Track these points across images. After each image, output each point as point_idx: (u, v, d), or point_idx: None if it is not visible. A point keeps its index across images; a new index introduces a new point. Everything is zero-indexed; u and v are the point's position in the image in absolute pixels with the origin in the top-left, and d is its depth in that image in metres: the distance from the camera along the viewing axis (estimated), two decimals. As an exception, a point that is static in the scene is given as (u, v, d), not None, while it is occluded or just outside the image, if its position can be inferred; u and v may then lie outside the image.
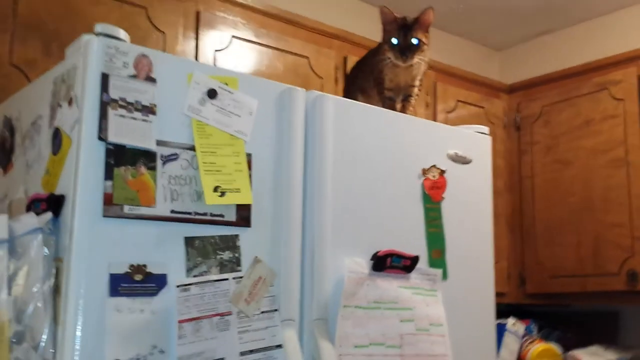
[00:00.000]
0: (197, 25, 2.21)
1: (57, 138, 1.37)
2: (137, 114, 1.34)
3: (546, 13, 3.18)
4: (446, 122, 2.85)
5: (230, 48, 2.26)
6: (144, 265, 1.30)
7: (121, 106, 1.32)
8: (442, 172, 1.78)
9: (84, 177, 1.28)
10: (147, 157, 1.34)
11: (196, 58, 2.19)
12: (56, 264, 1.27)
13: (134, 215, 1.30)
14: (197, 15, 2.21)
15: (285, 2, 2.59)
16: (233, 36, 2.28)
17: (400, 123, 1.75)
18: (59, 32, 1.92)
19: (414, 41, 1.90)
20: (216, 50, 2.23)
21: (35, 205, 1.34)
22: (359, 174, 1.62)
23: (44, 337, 1.22)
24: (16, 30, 1.89)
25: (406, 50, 1.89)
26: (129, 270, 1.28)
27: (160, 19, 2.17)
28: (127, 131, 1.32)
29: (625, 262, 2.61)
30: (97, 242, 1.26)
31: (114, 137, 1.30)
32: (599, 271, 2.69)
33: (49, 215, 1.29)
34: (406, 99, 1.99)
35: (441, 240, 1.75)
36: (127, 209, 1.29)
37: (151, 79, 1.37)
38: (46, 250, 1.27)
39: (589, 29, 3.28)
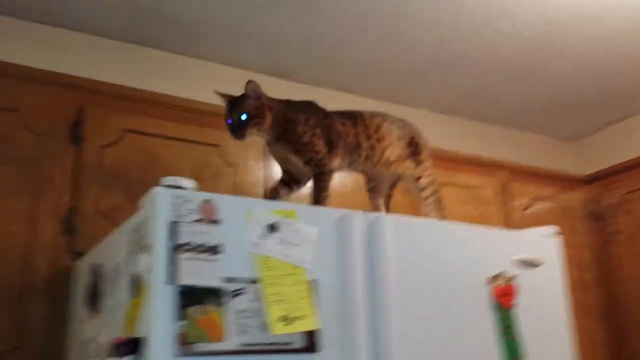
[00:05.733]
0: (265, 155, 2.36)
1: (135, 283, 1.48)
2: (204, 255, 1.44)
3: (613, 103, 3.17)
4: (522, 219, 2.83)
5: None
6: (218, 401, 1.35)
7: (188, 250, 1.42)
8: (511, 278, 1.77)
9: (159, 320, 1.37)
10: (215, 295, 1.42)
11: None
12: (137, 405, 1.34)
13: (205, 352, 1.37)
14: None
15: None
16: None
17: (461, 233, 1.77)
18: (140, 178, 2.10)
19: (243, 117, 1.82)
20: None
21: (117, 348, 1.44)
22: (423, 290, 1.64)
23: None
24: (102, 181, 2.08)
25: (237, 128, 1.83)
26: (204, 407, 1.33)
27: (231, 154, 2.33)
28: (195, 273, 1.41)
29: None
30: (171, 382, 1.33)
31: (184, 279, 1.39)
32: None
33: (129, 358, 1.38)
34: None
35: (518, 348, 1.72)
36: (197, 347, 1.36)
37: (215, 221, 1.47)
38: (128, 392, 1.35)
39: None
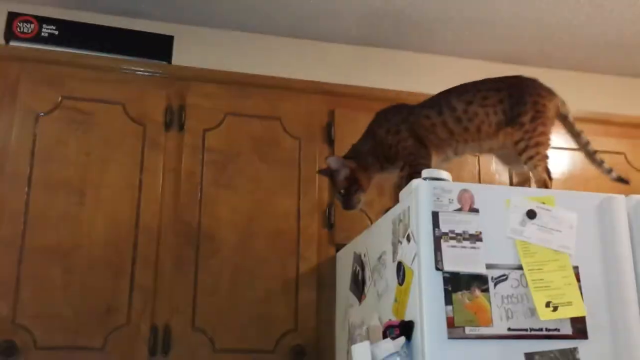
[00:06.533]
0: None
1: (401, 270, 1.59)
2: (466, 243, 1.50)
3: None
4: None
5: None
6: (490, 382, 1.41)
7: (451, 238, 1.50)
8: None
9: (427, 304, 1.46)
10: (479, 281, 1.48)
11: (510, 173, 2.33)
12: (414, 383, 1.45)
13: (475, 336, 1.44)
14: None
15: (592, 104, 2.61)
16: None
17: None
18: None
19: (342, 192, 1.93)
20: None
21: (390, 331, 1.56)
22: (699, 274, 1.55)
23: None
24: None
25: (344, 203, 1.93)
26: (477, 387, 1.40)
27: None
28: (459, 260, 1.49)
29: None
30: (446, 362, 1.42)
31: (449, 266, 1.47)
32: None
33: (402, 340, 1.49)
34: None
35: None
36: (467, 330, 1.44)
37: (474, 210, 1.53)
38: (404, 371, 1.46)
39: None
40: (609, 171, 1.85)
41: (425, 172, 1.58)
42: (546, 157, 1.81)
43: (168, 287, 1.99)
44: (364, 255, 1.87)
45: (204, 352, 1.97)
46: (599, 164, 1.87)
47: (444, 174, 1.58)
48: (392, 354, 1.49)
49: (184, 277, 2.01)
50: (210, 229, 2.07)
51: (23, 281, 1.88)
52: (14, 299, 1.87)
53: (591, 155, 1.88)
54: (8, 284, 1.87)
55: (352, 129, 2.08)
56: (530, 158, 1.79)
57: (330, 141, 2.24)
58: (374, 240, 1.82)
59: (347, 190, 1.92)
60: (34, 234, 1.92)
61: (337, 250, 2.13)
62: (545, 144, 1.81)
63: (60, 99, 2.05)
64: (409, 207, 1.59)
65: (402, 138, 1.89)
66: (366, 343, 1.59)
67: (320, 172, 1.99)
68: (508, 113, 1.82)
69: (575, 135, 1.90)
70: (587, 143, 1.89)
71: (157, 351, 1.93)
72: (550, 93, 1.87)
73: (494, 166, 2.36)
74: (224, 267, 2.05)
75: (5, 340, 1.83)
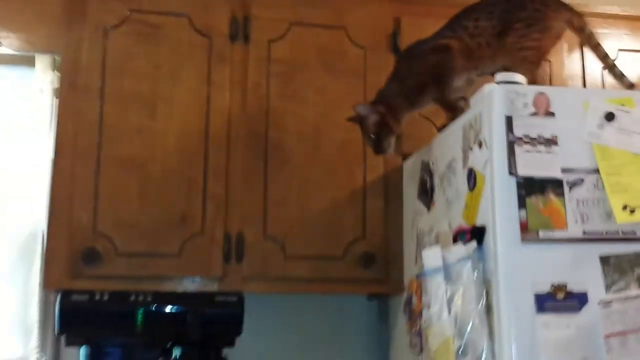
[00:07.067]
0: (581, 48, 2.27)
1: (472, 176, 1.58)
2: (541, 147, 1.48)
3: None
4: None
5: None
6: (564, 285, 1.41)
7: (526, 142, 1.48)
8: None
9: (500, 209, 1.46)
10: (554, 185, 1.46)
11: (583, 79, 2.26)
12: (486, 286, 1.46)
13: (549, 239, 1.43)
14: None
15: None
16: (619, 49, 2.28)
17: None
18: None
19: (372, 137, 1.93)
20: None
21: (460, 236, 1.57)
22: None
23: (484, 350, 1.42)
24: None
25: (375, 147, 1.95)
26: (551, 290, 1.41)
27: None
28: (533, 164, 1.47)
29: None
30: (519, 265, 1.43)
31: (523, 170, 1.46)
32: None
33: (474, 244, 1.50)
34: None
35: None
36: (541, 234, 1.43)
37: (550, 113, 1.50)
38: (475, 274, 1.47)
39: None
40: (630, 86, 1.80)
41: (498, 76, 1.54)
42: (534, 64, 1.79)
43: (239, 197, 2.04)
44: (432, 164, 1.86)
45: (276, 259, 2.03)
46: (619, 76, 1.82)
47: (519, 77, 1.54)
48: (463, 258, 1.51)
49: (254, 187, 2.05)
50: (278, 140, 2.09)
51: (101, 191, 1.96)
52: (94, 208, 1.95)
53: (611, 68, 1.84)
54: (87, 193, 1.95)
55: (418, 37, 2.02)
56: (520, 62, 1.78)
57: (395, 50, 2.19)
58: (442, 148, 1.81)
59: (377, 135, 1.93)
60: (109, 145, 1.98)
61: (404, 159, 2.13)
62: (538, 52, 1.80)
63: (128, 12, 2.06)
64: (480, 112, 1.56)
65: (426, 61, 1.90)
66: (437, 248, 1.61)
67: (350, 119, 1.97)
68: (508, 21, 1.81)
69: (593, 47, 1.86)
70: (606, 56, 1.85)
71: (231, 258, 2.00)
72: (560, 6, 1.83)
73: (566, 71, 2.29)
74: (292, 177, 2.08)
75: (87, 247, 1.92)
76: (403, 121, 1.96)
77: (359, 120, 1.95)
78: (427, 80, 1.90)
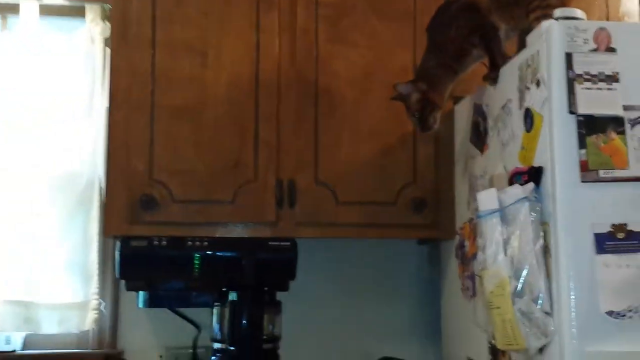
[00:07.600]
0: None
1: (529, 117, 1.55)
2: (602, 84, 1.44)
3: None
4: None
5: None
6: (625, 224, 1.39)
7: (586, 79, 1.44)
8: None
9: (559, 149, 1.43)
10: (615, 123, 1.42)
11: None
12: (543, 227, 1.45)
13: (610, 178, 1.40)
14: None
15: None
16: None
17: None
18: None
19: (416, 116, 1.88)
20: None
21: (517, 178, 1.55)
22: None
23: (541, 291, 1.41)
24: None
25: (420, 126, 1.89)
26: (611, 230, 1.39)
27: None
28: (594, 102, 1.43)
29: None
30: (578, 206, 1.40)
31: (583, 109, 1.42)
32: None
33: (531, 185, 1.48)
34: None
35: None
36: (602, 173, 1.40)
37: (611, 49, 1.45)
38: (533, 215, 1.46)
39: None
40: None
41: (557, 12, 1.49)
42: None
43: (290, 144, 2.05)
44: (486, 105, 1.83)
45: (328, 205, 2.04)
46: None
47: (578, 12, 1.49)
48: (520, 200, 1.49)
49: (305, 133, 2.06)
50: (328, 86, 2.08)
51: (156, 139, 1.99)
52: (149, 156, 1.98)
53: None
54: (142, 142, 1.98)
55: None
56: (537, 18, 1.63)
57: (446, -10, 2.14)
58: (497, 90, 1.77)
59: (421, 113, 1.88)
60: (162, 94, 2.00)
61: (455, 103, 2.10)
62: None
63: (177, -40, 2.06)
64: (538, 50, 1.52)
65: (460, 24, 1.84)
66: (492, 190, 1.60)
67: (393, 98, 1.92)
68: None
69: None
70: None
71: (284, 204, 2.02)
72: None
73: (622, 8, 2.21)
74: (343, 123, 2.08)
75: (144, 194, 1.96)
76: (447, 93, 1.91)
77: (402, 99, 1.91)
78: (470, 42, 1.83)
